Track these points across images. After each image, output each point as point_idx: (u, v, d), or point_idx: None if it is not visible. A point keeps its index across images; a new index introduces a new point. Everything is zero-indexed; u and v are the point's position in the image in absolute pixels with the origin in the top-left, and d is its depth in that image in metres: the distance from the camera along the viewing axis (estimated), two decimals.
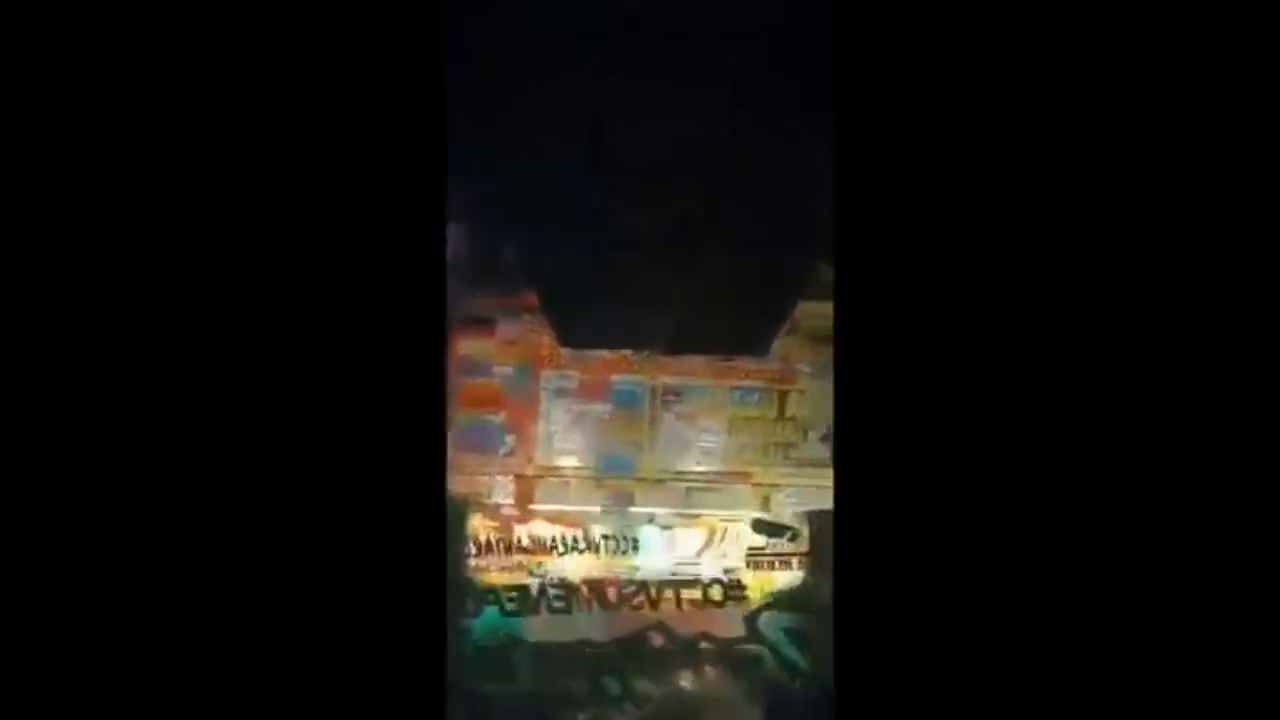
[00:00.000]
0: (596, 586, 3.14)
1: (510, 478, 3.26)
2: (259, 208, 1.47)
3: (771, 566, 3.12)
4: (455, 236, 3.01)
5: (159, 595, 1.42)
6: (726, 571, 3.25)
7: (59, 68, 1.38)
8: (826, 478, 2.08)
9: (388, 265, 1.53)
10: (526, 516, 3.26)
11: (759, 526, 3.18)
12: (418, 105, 1.54)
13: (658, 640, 3.12)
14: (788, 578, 3.16)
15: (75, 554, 1.40)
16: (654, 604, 3.09)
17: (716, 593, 3.22)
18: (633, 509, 3.28)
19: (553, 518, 3.26)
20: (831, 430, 2.60)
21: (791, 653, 3.05)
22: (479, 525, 3.22)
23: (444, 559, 1.68)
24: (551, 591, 3.06)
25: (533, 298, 3.07)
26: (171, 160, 1.43)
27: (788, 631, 3.02)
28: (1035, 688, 1.46)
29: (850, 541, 1.57)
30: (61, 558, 1.39)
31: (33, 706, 1.34)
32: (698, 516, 3.29)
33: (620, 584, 3.15)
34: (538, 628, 3.03)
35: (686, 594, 3.19)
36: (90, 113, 1.39)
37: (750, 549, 3.18)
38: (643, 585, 3.18)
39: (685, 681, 3.07)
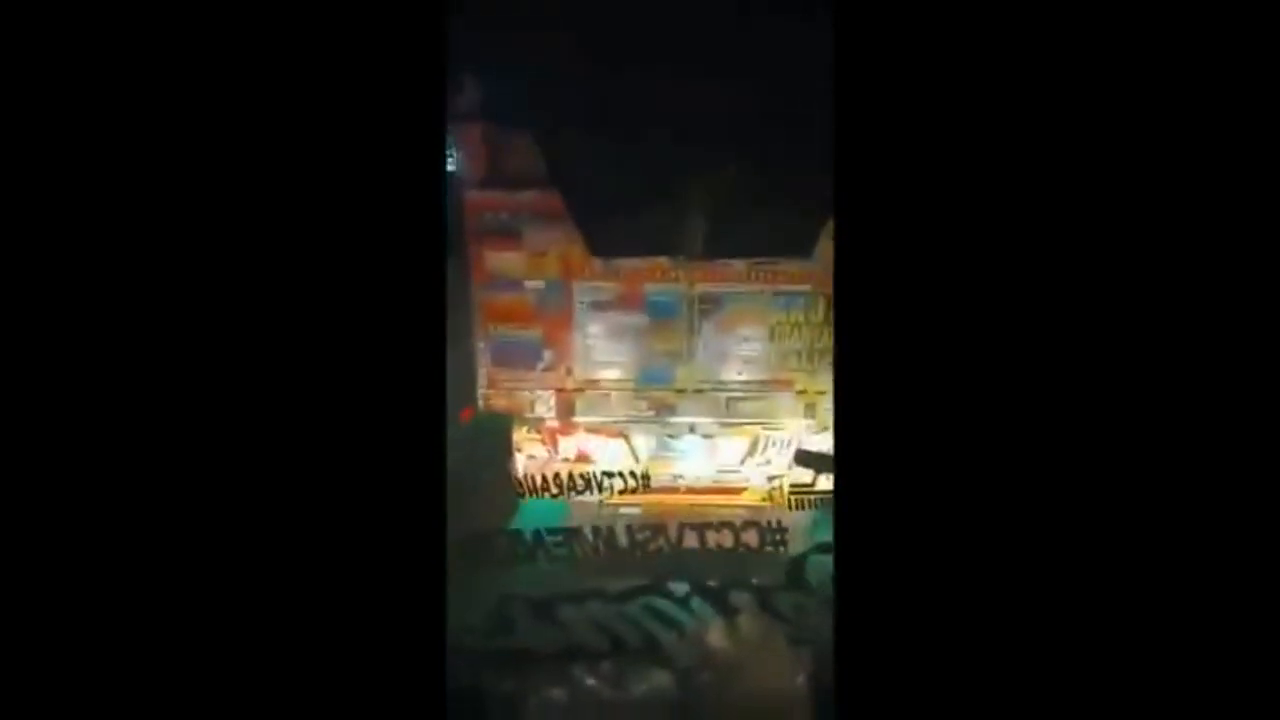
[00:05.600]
0: None
1: (551, 392, 3.22)
2: (248, 133, 1.45)
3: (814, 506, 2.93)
4: (470, 138, 2.89)
5: (147, 554, 1.43)
6: (770, 479, 3.20)
7: (59, 69, 1.36)
8: None
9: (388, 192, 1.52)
10: (569, 429, 3.24)
11: (802, 458, 3.02)
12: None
13: None
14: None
15: (68, 529, 1.39)
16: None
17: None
18: (673, 419, 3.25)
19: (594, 429, 3.24)
20: None
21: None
22: (522, 438, 3.23)
23: (444, 522, 1.70)
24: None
25: (557, 202, 2.93)
26: (164, 111, 1.41)
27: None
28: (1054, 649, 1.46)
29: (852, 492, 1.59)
30: (53, 536, 1.39)
31: (29, 705, 1.34)
32: (740, 425, 3.23)
33: None
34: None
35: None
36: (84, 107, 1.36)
37: (794, 486, 3.03)
38: None
39: None
